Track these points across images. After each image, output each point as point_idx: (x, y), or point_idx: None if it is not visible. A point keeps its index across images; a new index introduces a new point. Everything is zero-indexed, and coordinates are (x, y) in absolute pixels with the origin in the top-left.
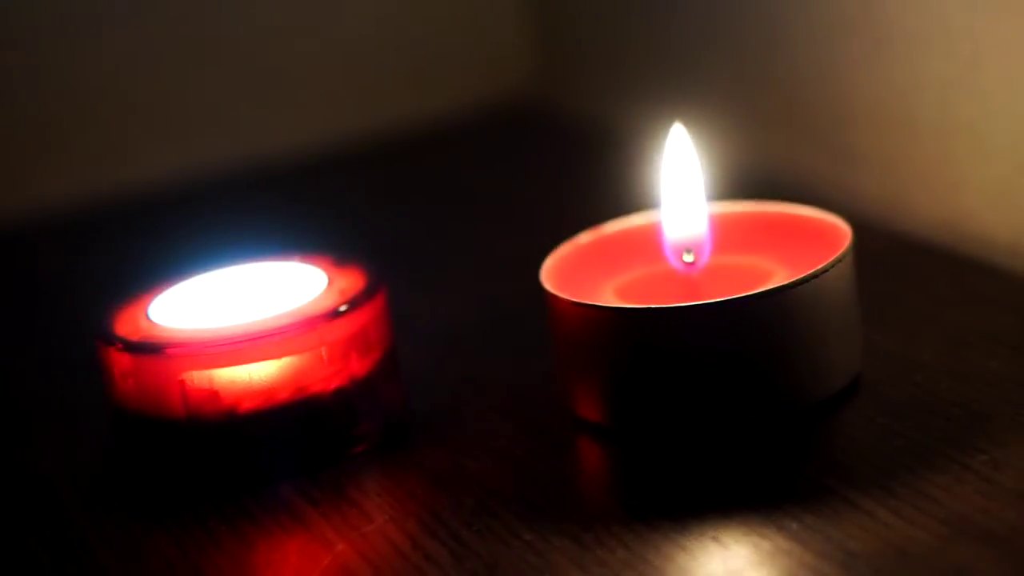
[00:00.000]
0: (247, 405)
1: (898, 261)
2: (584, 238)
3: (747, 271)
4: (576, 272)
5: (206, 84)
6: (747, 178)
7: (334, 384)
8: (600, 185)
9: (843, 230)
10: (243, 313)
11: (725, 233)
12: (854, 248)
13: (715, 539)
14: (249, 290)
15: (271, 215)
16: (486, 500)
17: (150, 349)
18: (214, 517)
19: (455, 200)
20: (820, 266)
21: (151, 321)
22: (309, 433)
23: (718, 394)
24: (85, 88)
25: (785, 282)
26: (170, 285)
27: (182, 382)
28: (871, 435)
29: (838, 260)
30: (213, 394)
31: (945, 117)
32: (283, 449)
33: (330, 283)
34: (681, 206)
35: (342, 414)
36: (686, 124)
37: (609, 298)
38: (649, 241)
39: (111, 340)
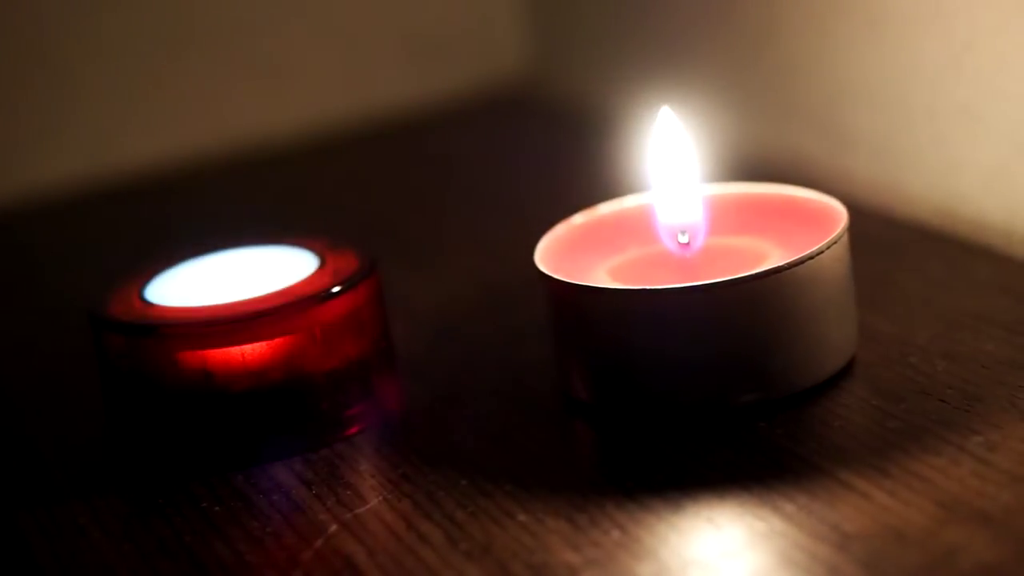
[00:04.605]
0: (241, 386)
1: (893, 243)
2: (578, 219)
3: (742, 252)
4: (571, 253)
5: (201, 66)
6: (742, 161)
7: (328, 365)
8: (594, 167)
9: (838, 212)
10: (237, 294)
11: (720, 215)
12: (849, 230)
13: (709, 520)
14: (243, 272)
15: (265, 197)
16: (480, 481)
17: (144, 330)
18: (207, 498)
19: (449, 182)
20: (815, 248)
21: (146, 302)
22: (303, 414)
23: (712, 375)
24: (80, 70)
25: (780, 263)
26: (165, 267)
27: (176, 362)
28: (866, 417)
29: (833, 242)
30: (207, 374)
31: (940, 99)
32: (277, 430)
33: (324, 265)
34: (675, 188)
35: (336, 395)
36: (680, 107)
37: (604, 279)
38: (644, 222)
39: (106, 320)
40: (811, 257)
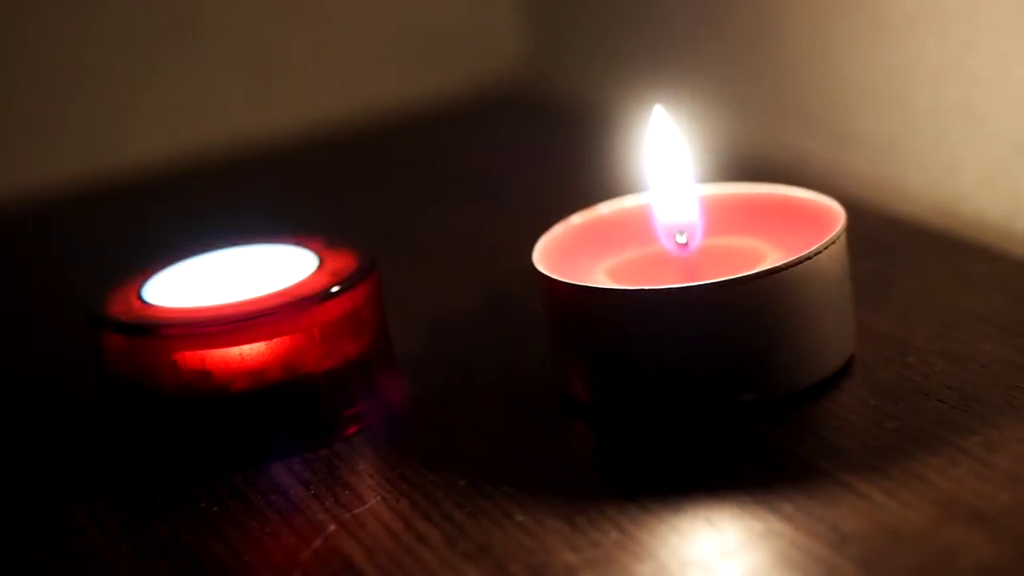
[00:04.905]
0: (239, 385)
1: (891, 243)
2: (576, 219)
3: (740, 253)
4: (569, 253)
5: (199, 65)
6: (741, 160)
7: (326, 365)
8: (592, 167)
9: (836, 212)
10: (235, 294)
11: (718, 215)
12: (847, 230)
13: (708, 520)
14: (242, 271)
15: (263, 197)
16: (479, 482)
17: (143, 329)
18: (206, 498)
19: (447, 182)
20: (813, 248)
21: (144, 302)
22: (301, 414)
23: (711, 376)
24: (79, 69)
25: (777, 264)
26: (163, 266)
27: (175, 362)
28: (864, 417)
29: (831, 242)
30: (206, 374)
31: (939, 99)
32: (275, 430)
33: (322, 264)
34: (673, 188)
35: (334, 395)
36: (679, 106)
37: (601, 279)
38: (642, 222)
39: (104, 320)
40: (809, 257)
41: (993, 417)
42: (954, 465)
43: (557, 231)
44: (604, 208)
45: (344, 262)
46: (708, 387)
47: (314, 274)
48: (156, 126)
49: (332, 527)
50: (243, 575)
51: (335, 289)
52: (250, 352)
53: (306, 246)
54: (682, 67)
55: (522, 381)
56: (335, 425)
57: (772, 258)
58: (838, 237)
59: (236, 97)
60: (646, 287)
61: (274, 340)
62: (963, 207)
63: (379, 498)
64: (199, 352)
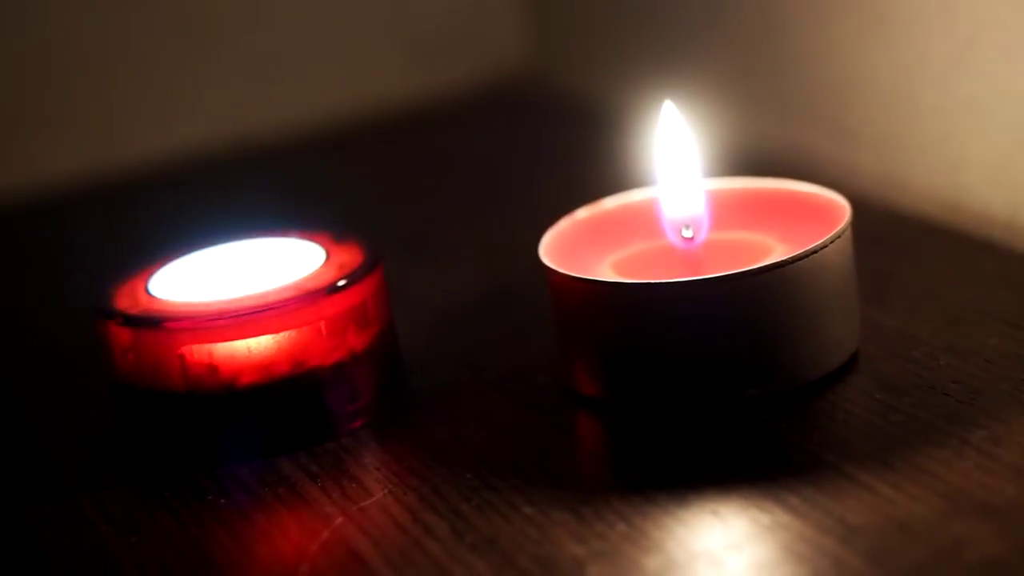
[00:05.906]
0: (246, 379)
1: (897, 238)
2: (582, 214)
3: (746, 247)
4: (574, 247)
5: (205, 62)
6: (747, 155)
7: (333, 358)
8: (598, 162)
9: (842, 206)
10: (242, 287)
11: (724, 209)
12: (853, 224)
13: (714, 513)
14: (248, 265)
15: (270, 191)
16: (485, 475)
17: (150, 323)
18: (213, 491)
19: (453, 177)
20: (819, 242)
21: (151, 295)
22: (308, 407)
23: (717, 369)
24: (85, 66)
25: (783, 258)
26: (170, 260)
27: (181, 356)
28: (870, 411)
29: (837, 236)
30: (212, 368)
31: (944, 95)
32: (282, 423)
33: (329, 258)
34: (679, 182)
35: (341, 388)
36: (685, 102)
37: (607, 273)
38: (647, 217)
39: (111, 314)
40: (815, 251)
41: (998, 411)
42: (960, 458)
43: (563, 225)
44: (610, 202)
45: (351, 256)
46: (714, 380)
47: (321, 268)
48: (162, 122)
49: (339, 520)
50: (251, 568)
51: (342, 283)
52: (257, 346)
53: (313, 240)
54: (687, 63)
55: (528, 375)
56: (341, 418)
57: (778, 252)
58: (844, 231)
59: (243, 94)
60: (652, 281)
61: (281, 333)
62: (968, 202)
63: (386, 491)
64: (206, 345)
